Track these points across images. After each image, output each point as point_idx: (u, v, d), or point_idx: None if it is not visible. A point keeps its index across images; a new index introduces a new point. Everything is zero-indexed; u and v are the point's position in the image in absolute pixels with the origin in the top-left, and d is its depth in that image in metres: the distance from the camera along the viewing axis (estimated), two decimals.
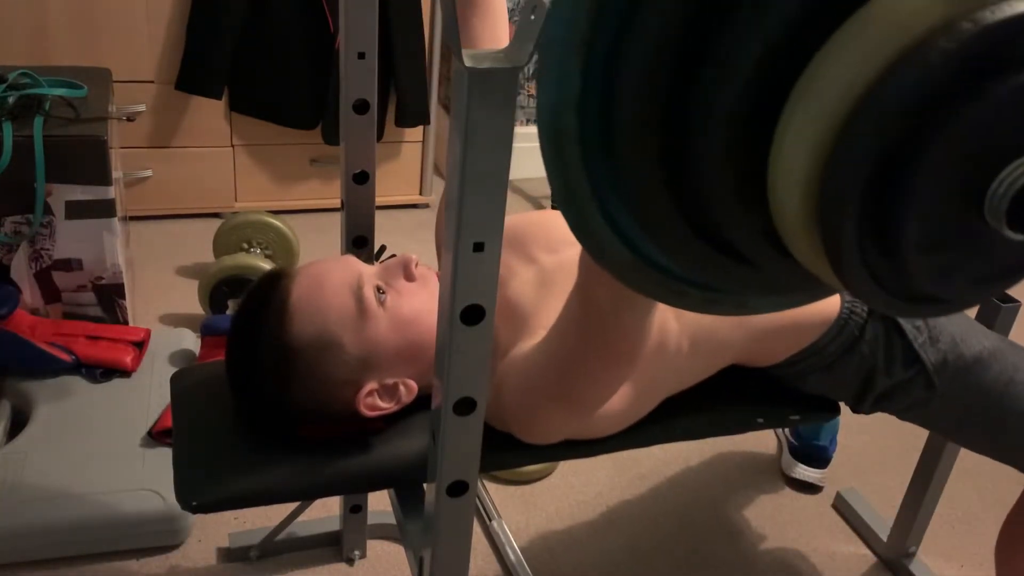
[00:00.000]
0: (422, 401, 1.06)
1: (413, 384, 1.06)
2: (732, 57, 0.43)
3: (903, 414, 1.23)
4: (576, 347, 0.89)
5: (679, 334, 1.08)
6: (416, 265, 1.08)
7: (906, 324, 1.17)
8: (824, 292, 0.58)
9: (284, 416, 1.07)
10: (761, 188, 0.45)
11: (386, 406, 1.05)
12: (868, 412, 1.23)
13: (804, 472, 1.84)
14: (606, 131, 0.49)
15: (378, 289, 1.04)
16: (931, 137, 0.38)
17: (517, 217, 1.22)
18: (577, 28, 0.47)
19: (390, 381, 1.05)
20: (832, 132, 0.40)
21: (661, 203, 0.49)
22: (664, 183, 0.48)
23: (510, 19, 1.23)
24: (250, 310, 1.06)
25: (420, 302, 1.06)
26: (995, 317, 1.34)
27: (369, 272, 1.07)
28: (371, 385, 1.04)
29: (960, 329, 1.20)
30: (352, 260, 1.08)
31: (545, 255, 1.14)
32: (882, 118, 0.38)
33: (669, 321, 1.07)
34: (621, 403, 1.06)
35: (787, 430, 1.91)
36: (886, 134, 0.38)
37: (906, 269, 0.42)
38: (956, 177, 0.38)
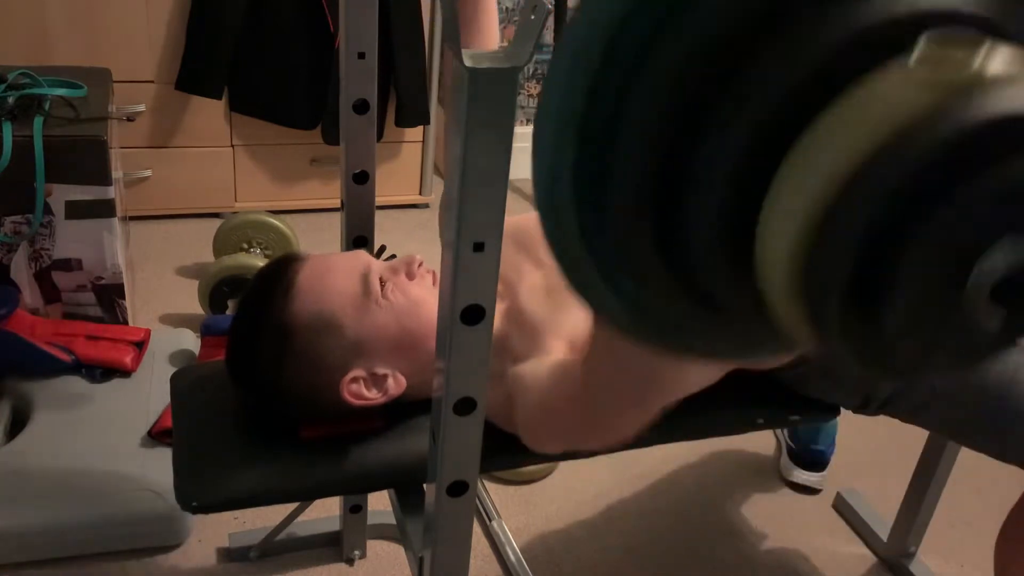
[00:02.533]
0: (422, 401, 1.06)
1: (402, 378, 1.07)
2: (724, 133, 0.44)
3: (907, 418, 1.23)
4: (611, 395, 0.86)
5: None
6: (419, 265, 1.10)
7: None
8: (800, 350, 0.58)
9: (273, 399, 1.08)
10: (750, 259, 0.45)
11: (371, 396, 1.06)
12: (874, 414, 1.23)
13: (801, 476, 1.84)
14: (600, 198, 0.50)
15: (382, 281, 1.06)
16: (917, 226, 0.38)
17: (522, 217, 1.23)
18: (574, 101, 0.48)
19: (380, 371, 1.06)
20: (817, 216, 0.40)
21: (654, 267, 0.50)
22: (656, 249, 0.49)
23: (510, 20, 1.25)
24: (258, 288, 1.09)
25: (419, 298, 1.08)
26: None
27: (377, 265, 1.09)
28: (358, 372, 1.05)
29: None
30: (363, 253, 1.12)
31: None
32: (867, 206, 0.38)
33: None
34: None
35: (786, 433, 1.91)
36: (871, 222, 0.38)
37: (889, 350, 0.42)
38: (940, 263, 0.39)
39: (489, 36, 1.17)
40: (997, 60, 0.39)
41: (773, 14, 0.43)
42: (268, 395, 1.07)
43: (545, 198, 0.52)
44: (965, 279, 0.38)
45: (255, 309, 1.07)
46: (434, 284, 1.11)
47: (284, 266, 1.08)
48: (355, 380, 1.05)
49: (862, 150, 0.39)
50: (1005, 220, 0.38)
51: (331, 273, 1.06)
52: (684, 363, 0.78)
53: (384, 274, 1.08)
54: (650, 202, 0.48)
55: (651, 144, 0.46)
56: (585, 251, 0.53)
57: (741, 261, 0.45)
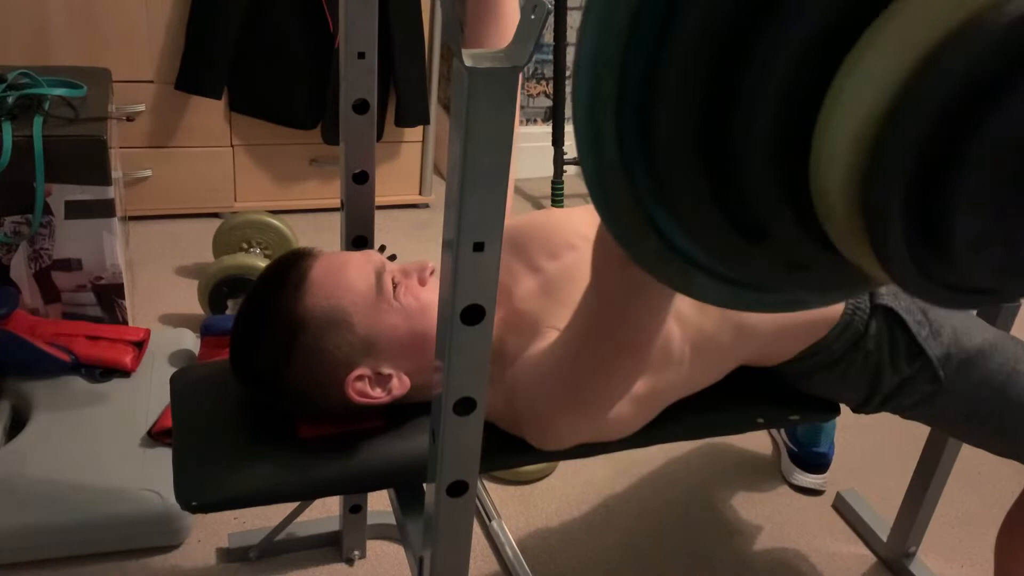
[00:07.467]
0: (422, 402, 1.06)
1: (407, 379, 1.07)
2: (779, 39, 0.42)
3: (908, 412, 1.23)
4: (588, 343, 0.88)
5: (681, 341, 1.08)
6: (431, 273, 1.11)
7: (908, 319, 1.17)
8: (872, 286, 0.55)
9: (275, 393, 1.08)
10: (806, 179, 0.43)
11: (375, 395, 1.06)
12: (874, 411, 1.23)
13: (805, 479, 1.84)
14: (647, 95, 0.47)
15: (394, 283, 1.07)
16: (978, 126, 0.36)
17: (517, 220, 1.23)
18: (619, 20, 0.45)
19: (385, 371, 1.06)
20: (874, 122, 0.38)
21: (699, 191, 0.47)
22: (703, 170, 0.46)
23: None
24: (268, 280, 1.08)
25: (428, 302, 1.08)
26: (995, 315, 1.34)
27: (390, 266, 1.10)
28: (363, 370, 1.05)
29: (960, 322, 1.20)
30: (376, 253, 1.12)
31: (547, 261, 1.14)
32: (925, 107, 0.36)
33: (672, 328, 1.07)
34: (629, 409, 1.06)
35: (785, 437, 1.91)
36: (929, 125, 0.36)
37: (960, 267, 0.40)
38: (1005, 165, 0.36)
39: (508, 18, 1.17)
40: None
41: None
42: (270, 389, 1.07)
43: (587, 130, 0.49)
44: None
45: (264, 301, 1.07)
46: None
47: (297, 260, 1.08)
48: (360, 378, 1.05)
49: (921, 48, 0.37)
50: None
51: (345, 270, 1.06)
52: (659, 300, 0.78)
53: (396, 276, 1.08)
54: (699, 122, 0.45)
55: (701, 60, 0.43)
56: (625, 183, 0.50)
57: (795, 188, 0.42)
